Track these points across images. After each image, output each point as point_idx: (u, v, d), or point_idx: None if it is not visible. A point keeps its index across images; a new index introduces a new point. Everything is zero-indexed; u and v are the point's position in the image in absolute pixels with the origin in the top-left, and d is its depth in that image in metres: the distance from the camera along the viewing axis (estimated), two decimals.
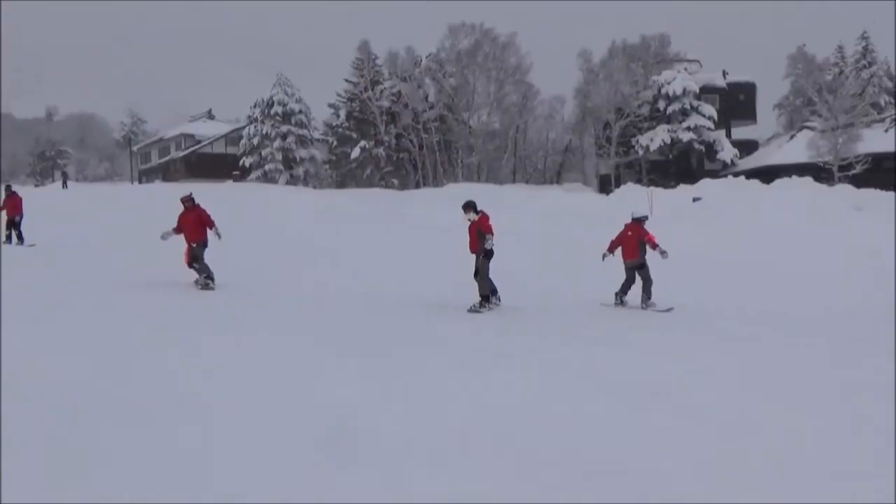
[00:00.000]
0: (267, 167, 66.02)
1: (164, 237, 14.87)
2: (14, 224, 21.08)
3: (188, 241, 14.55)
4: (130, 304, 12.08)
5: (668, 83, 59.60)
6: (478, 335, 10.69)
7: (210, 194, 25.39)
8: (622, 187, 50.35)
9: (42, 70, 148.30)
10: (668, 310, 13.59)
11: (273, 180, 63.93)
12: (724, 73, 64.85)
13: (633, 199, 41.71)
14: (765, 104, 72.92)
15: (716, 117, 59.85)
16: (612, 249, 14.31)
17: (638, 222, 14.18)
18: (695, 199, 40.69)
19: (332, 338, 9.94)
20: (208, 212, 14.96)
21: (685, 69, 61.19)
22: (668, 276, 17.04)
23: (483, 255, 12.67)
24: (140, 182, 79.48)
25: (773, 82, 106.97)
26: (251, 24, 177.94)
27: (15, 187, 24.46)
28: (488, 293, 12.81)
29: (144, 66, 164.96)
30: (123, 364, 7.85)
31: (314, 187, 63.15)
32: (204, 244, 14.60)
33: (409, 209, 37.41)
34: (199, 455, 5.40)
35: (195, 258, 14.45)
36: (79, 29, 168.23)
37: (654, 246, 13.73)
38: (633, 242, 14.00)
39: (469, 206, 12.91)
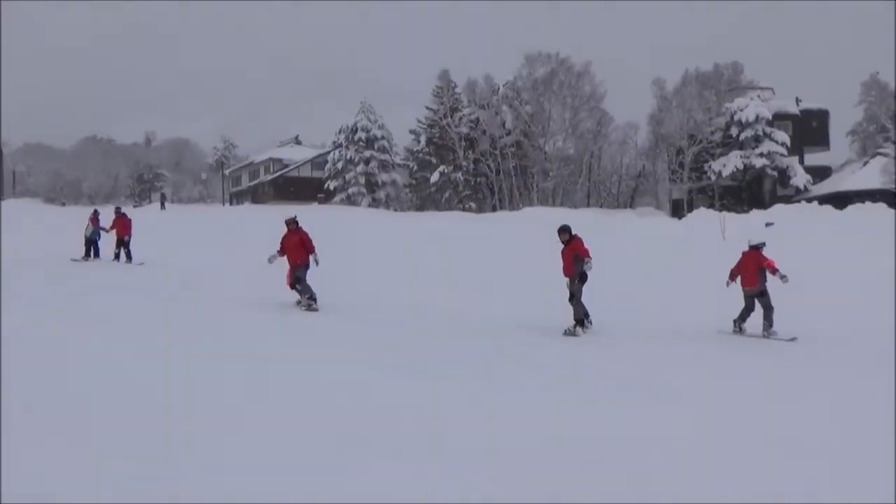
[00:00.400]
0: (350, 190, 69.08)
1: (270, 260, 15.12)
2: (124, 243, 22.36)
3: (291, 263, 14.77)
4: (235, 320, 12.53)
5: (741, 110, 60.79)
6: (585, 358, 10.68)
7: (302, 216, 26.96)
8: (695, 212, 51.69)
9: (142, 98, 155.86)
10: (792, 339, 13.06)
11: (356, 203, 66.92)
12: (798, 100, 65.64)
13: (705, 223, 43.11)
14: (838, 131, 73.12)
15: (789, 143, 60.71)
16: (732, 278, 14.04)
17: (756, 249, 13.89)
18: (767, 225, 41.68)
19: (438, 360, 9.84)
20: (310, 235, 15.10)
21: (758, 96, 62.28)
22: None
23: (578, 278, 12.78)
24: (231, 204, 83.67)
25: (846, 109, 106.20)
26: (337, 54, 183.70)
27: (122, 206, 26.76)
28: (582, 317, 12.88)
29: (236, 94, 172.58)
30: (228, 376, 8.16)
31: (394, 210, 65.96)
32: (306, 266, 14.69)
33: (494, 231, 38.54)
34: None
35: (297, 280, 14.61)
36: (175, 60, 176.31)
37: (774, 271, 13.42)
38: (753, 270, 13.64)
39: (564, 230, 13.12)
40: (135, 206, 64.48)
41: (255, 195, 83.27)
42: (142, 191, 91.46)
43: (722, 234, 37.87)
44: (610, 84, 76.29)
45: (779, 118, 62.44)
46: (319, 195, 70.12)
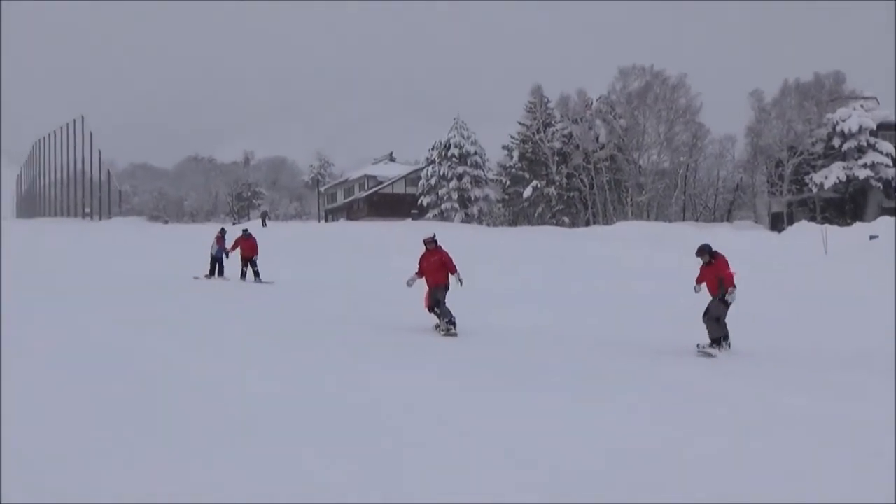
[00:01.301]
0: (443, 206, 69.80)
1: (409, 283, 14.42)
2: (251, 262, 22.90)
3: (430, 284, 14.11)
4: (375, 341, 12.26)
5: (844, 120, 59.16)
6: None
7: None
8: (795, 225, 50.56)
9: (242, 120, 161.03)
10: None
11: (449, 218, 67.59)
12: None
13: (807, 236, 42.15)
14: None
15: (894, 154, 58.78)
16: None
17: None
18: (872, 238, 40.54)
19: (569, 383, 9.39)
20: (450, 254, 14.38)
21: (861, 106, 60.51)
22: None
23: (721, 299, 12.50)
24: (326, 220, 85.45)
25: None
26: (430, 72, 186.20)
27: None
28: (719, 336, 12.57)
29: (331, 113, 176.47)
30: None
31: (487, 225, 66.38)
32: (446, 287, 14.04)
33: (590, 247, 38.38)
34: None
35: (437, 302, 13.92)
36: (272, 82, 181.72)
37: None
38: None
39: (703, 250, 12.87)
40: (234, 224, 66.48)
41: (350, 212, 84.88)
42: (240, 208, 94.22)
43: (824, 247, 37.00)
44: (706, 96, 75.28)
45: (884, 128, 60.49)
46: (413, 211, 71.03)
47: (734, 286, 12.38)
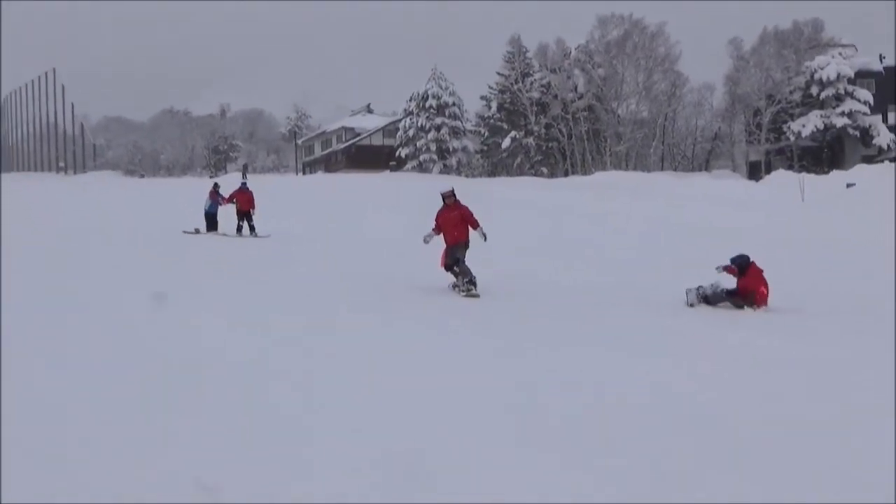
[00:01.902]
0: (422, 157, 69.39)
1: (426, 240, 13.36)
2: (248, 216, 22.24)
3: (449, 241, 13.13)
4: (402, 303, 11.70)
5: (822, 68, 59.13)
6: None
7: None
8: (773, 174, 50.82)
9: (217, 71, 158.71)
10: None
11: (427, 170, 67.23)
12: (881, 57, 63.47)
13: (784, 185, 42.38)
14: None
15: (872, 102, 58.91)
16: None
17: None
18: (849, 185, 40.81)
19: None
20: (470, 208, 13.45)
21: (839, 54, 60.44)
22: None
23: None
24: (304, 173, 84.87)
25: None
26: (407, 22, 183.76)
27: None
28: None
29: (308, 64, 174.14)
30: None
31: (466, 176, 66.15)
32: (466, 245, 13.16)
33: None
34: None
35: (457, 260, 12.92)
36: (248, 32, 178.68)
37: None
38: None
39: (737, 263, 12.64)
40: (210, 177, 65.76)
41: (328, 164, 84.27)
42: (217, 161, 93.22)
43: (801, 195, 37.20)
44: (685, 45, 74.85)
45: (861, 76, 60.57)
46: (391, 163, 70.64)
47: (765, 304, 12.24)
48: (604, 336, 9.72)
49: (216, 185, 24.04)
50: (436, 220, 13.37)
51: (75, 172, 77.53)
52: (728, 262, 12.74)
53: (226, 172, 79.26)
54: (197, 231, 22.15)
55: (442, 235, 13.27)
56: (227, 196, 22.98)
